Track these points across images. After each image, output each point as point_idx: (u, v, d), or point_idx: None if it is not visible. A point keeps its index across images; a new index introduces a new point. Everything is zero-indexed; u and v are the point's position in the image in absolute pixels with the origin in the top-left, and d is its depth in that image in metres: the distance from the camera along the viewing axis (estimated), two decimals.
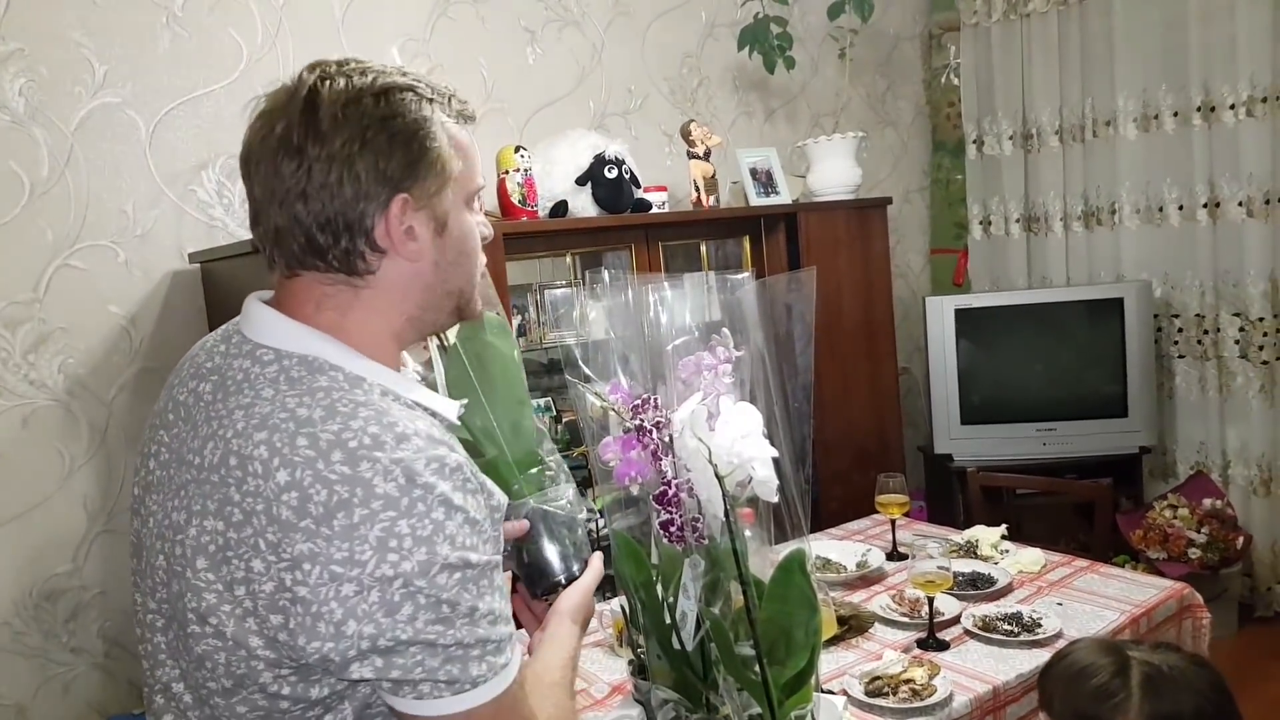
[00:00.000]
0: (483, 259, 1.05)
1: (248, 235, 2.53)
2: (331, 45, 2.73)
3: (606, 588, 2.52)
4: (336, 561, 0.81)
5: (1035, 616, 1.84)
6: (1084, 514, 3.28)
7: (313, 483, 0.82)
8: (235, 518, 0.85)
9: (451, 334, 1.16)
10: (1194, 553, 3.20)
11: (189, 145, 2.53)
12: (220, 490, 0.86)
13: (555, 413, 2.81)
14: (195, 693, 0.92)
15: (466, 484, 0.88)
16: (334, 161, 0.90)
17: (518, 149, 2.63)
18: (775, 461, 1.19)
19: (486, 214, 1.08)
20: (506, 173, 2.60)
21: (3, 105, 2.26)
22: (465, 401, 1.07)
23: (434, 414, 0.96)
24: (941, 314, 3.54)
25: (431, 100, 0.95)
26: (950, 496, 3.64)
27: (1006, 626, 1.81)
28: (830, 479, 3.07)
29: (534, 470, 1.21)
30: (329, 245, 0.92)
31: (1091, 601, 1.94)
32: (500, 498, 0.96)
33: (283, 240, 0.93)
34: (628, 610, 1.34)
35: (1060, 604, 1.93)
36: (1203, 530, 3.24)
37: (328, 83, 0.92)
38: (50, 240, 2.33)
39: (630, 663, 1.35)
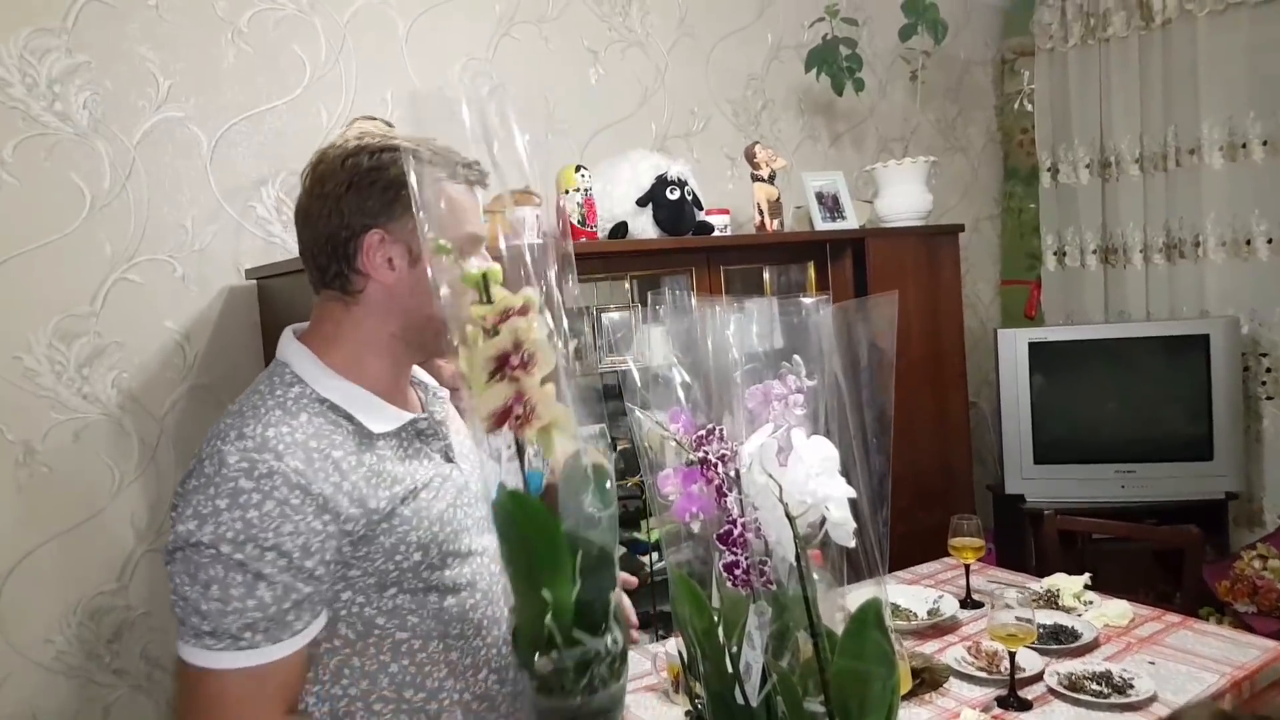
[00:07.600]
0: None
1: None
2: (395, 63, 2.70)
3: (661, 626, 2.42)
4: (183, 518, 1.04)
5: (1126, 676, 1.69)
6: (1164, 562, 3.10)
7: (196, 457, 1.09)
8: None
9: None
10: None
11: (250, 161, 2.51)
12: None
13: (610, 440, 2.72)
14: None
15: (274, 491, 1.03)
16: (326, 199, 1.16)
17: (578, 168, 2.57)
18: (851, 502, 1.09)
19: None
20: (566, 192, 2.54)
21: (67, 117, 2.26)
22: (422, 415, 1.22)
23: (354, 420, 1.13)
24: (1014, 347, 3.40)
25: (430, 162, 1.13)
26: (1021, 539, 3.47)
27: (1095, 686, 1.67)
28: (893, 517, 2.94)
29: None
30: (326, 265, 1.18)
31: (1187, 661, 1.79)
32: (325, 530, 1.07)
33: (304, 261, 1.21)
34: (685, 657, 1.24)
35: (1153, 663, 1.78)
36: None
37: (337, 145, 1.19)
38: (109, 253, 2.32)
39: (687, 714, 1.26)
